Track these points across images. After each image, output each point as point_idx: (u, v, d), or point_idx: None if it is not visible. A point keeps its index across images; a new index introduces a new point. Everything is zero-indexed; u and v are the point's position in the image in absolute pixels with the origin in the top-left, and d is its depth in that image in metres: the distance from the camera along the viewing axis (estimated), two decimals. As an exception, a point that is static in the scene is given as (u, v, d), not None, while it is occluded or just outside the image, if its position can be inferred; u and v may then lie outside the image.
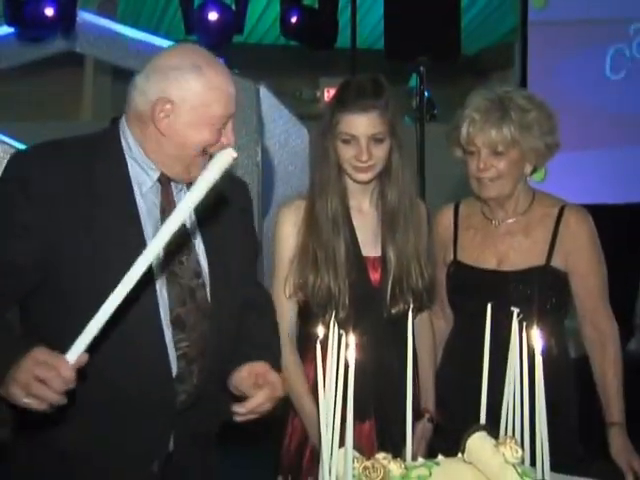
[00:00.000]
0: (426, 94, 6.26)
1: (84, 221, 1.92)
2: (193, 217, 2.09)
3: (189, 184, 2.03)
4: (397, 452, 2.02)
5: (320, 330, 1.56)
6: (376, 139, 2.33)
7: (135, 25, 7.09)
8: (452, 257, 2.54)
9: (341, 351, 1.49)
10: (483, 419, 1.74)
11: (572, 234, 2.43)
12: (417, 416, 2.48)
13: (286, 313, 2.42)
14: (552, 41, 5.99)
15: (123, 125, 2.05)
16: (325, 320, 2.21)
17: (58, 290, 1.94)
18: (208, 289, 2.07)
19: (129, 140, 2.03)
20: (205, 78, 1.94)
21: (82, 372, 1.70)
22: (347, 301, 2.33)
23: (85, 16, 6.07)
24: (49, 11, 5.64)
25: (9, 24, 5.79)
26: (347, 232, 2.39)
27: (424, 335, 2.53)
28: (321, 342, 1.55)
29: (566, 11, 5.99)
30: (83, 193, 1.93)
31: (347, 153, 2.34)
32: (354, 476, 1.49)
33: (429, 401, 2.53)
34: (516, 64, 6.25)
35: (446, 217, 2.61)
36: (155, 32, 7.44)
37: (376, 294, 2.38)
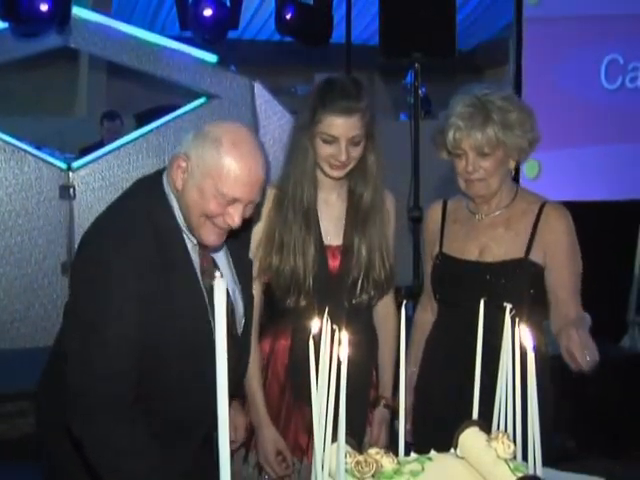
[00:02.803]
0: (423, 90, 6.26)
1: (164, 291, 2.02)
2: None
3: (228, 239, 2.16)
4: (357, 440, 2.09)
5: (314, 324, 1.56)
6: (354, 141, 2.39)
7: (130, 21, 7.10)
8: (438, 250, 2.62)
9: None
10: (476, 414, 1.75)
11: (551, 228, 2.50)
12: (373, 404, 2.59)
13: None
14: (547, 37, 5.98)
15: (164, 181, 2.11)
16: (291, 301, 2.41)
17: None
18: (237, 320, 2.23)
19: (171, 198, 2.09)
20: (219, 154, 1.98)
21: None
22: (310, 286, 2.42)
23: (79, 12, 6.06)
24: (44, 6, 5.63)
25: (3, 19, 5.78)
26: (314, 222, 2.47)
27: (386, 321, 2.62)
28: (315, 337, 1.54)
29: (561, 7, 5.97)
30: (158, 263, 2.02)
31: (326, 151, 2.40)
32: (346, 471, 1.49)
33: (386, 387, 2.60)
34: (511, 60, 6.23)
35: (435, 212, 2.69)
36: (150, 28, 7.44)
37: (334, 281, 2.47)
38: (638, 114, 6.00)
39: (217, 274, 1.28)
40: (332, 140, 2.37)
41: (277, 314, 2.52)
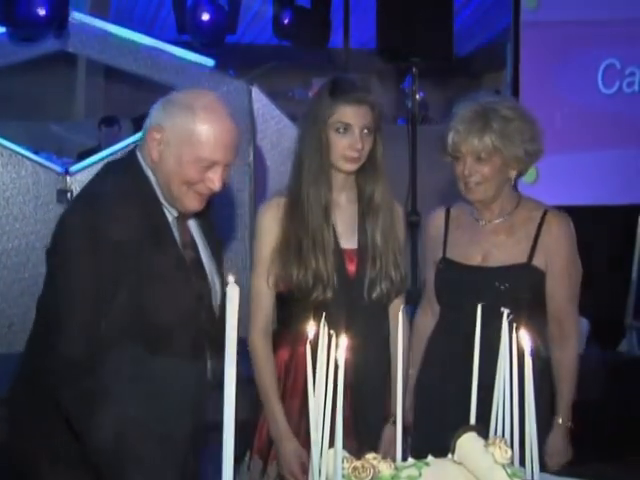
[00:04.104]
0: (421, 95, 6.27)
1: (152, 265, 2.03)
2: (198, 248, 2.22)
3: (198, 218, 2.19)
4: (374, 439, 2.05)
5: (310, 329, 1.56)
6: (366, 131, 2.42)
7: (127, 25, 7.10)
8: (441, 255, 2.65)
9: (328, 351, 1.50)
10: (473, 419, 1.75)
11: (553, 236, 2.54)
12: (386, 418, 2.54)
13: (265, 305, 2.48)
14: (544, 42, 5.99)
15: (139, 157, 2.12)
16: (307, 306, 2.36)
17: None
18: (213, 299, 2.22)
19: (149, 173, 2.10)
20: (193, 120, 2.01)
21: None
22: (334, 285, 2.41)
23: (77, 16, 6.07)
24: (41, 11, 5.64)
25: (1, 24, 5.78)
26: (330, 222, 2.47)
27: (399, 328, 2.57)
28: (311, 342, 1.54)
29: (558, 12, 5.98)
30: (145, 236, 2.03)
31: (341, 143, 2.42)
32: (343, 476, 1.49)
33: (395, 403, 2.51)
34: (508, 65, 6.24)
35: (438, 218, 2.72)
36: (147, 32, 7.43)
37: (353, 284, 2.47)
38: (635, 119, 6.00)
39: (230, 279, 1.25)
40: (346, 129, 2.41)
41: (294, 320, 2.45)
